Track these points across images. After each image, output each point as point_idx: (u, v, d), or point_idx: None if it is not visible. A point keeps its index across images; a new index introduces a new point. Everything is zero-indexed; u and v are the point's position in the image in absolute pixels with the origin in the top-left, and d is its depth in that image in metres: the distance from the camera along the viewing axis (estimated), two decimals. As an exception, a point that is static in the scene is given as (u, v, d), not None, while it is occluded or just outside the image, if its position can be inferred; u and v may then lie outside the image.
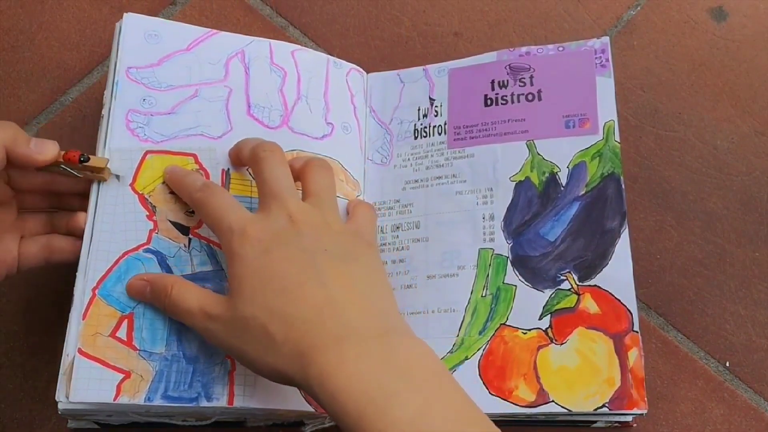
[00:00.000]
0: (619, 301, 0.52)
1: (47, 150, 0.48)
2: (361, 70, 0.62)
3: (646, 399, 0.50)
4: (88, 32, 0.65)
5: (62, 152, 0.50)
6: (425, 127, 0.59)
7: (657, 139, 0.63)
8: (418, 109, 0.60)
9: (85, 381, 0.46)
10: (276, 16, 0.67)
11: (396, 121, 0.60)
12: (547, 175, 0.56)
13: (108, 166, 0.51)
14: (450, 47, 0.66)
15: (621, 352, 0.51)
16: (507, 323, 0.53)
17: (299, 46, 0.60)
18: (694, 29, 0.67)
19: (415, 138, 0.59)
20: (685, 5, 0.68)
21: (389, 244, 0.57)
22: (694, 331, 0.57)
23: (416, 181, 0.58)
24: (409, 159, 0.59)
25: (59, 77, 0.63)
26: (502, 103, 0.58)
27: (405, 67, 0.62)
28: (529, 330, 0.52)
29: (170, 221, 0.52)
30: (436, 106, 0.60)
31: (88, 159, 0.50)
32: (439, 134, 0.59)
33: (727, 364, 0.57)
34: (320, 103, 0.58)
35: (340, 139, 0.58)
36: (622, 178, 0.55)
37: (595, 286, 0.53)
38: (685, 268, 0.59)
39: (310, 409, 0.49)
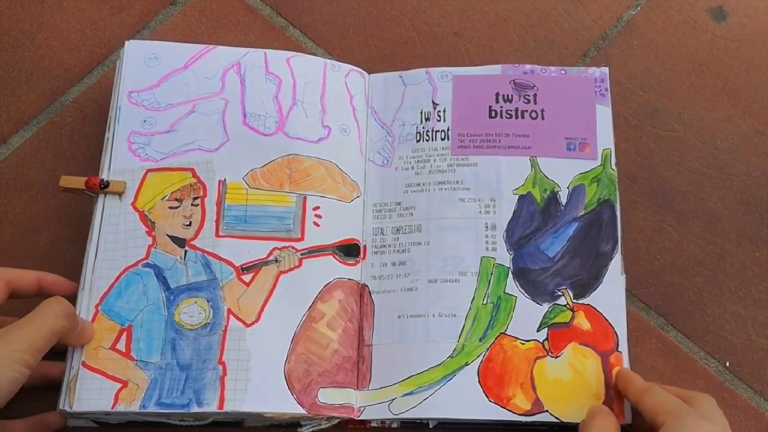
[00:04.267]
0: (608, 321, 0.54)
1: (87, 338, 0.50)
2: (361, 71, 0.62)
3: (625, 413, 0.52)
4: (88, 32, 0.65)
5: (85, 179, 0.53)
6: (428, 131, 0.59)
7: (657, 139, 0.63)
8: (421, 112, 0.60)
9: (87, 392, 0.49)
10: (276, 16, 0.67)
11: (398, 122, 0.60)
12: (548, 192, 0.57)
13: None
14: (450, 47, 0.66)
15: (606, 369, 0.53)
16: (506, 332, 0.54)
17: (295, 53, 0.60)
18: (694, 29, 0.67)
19: (417, 141, 0.59)
20: (685, 5, 0.68)
21: (390, 246, 0.57)
22: (694, 331, 0.58)
23: (418, 184, 0.58)
24: (410, 161, 0.59)
25: (59, 77, 0.63)
26: (506, 117, 0.59)
27: (405, 67, 0.62)
28: (528, 341, 0.54)
29: (168, 235, 0.53)
30: (439, 111, 0.60)
31: (108, 184, 0.53)
32: (443, 139, 0.59)
33: (727, 364, 0.57)
34: (316, 107, 0.58)
35: (337, 141, 0.58)
36: (617, 205, 0.57)
37: (588, 304, 0.55)
38: (685, 268, 0.59)
39: (303, 411, 0.50)
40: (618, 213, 0.57)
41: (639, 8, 0.68)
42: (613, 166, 0.58)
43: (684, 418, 0.45)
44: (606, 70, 0.61)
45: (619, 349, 0.53)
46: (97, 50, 0.65)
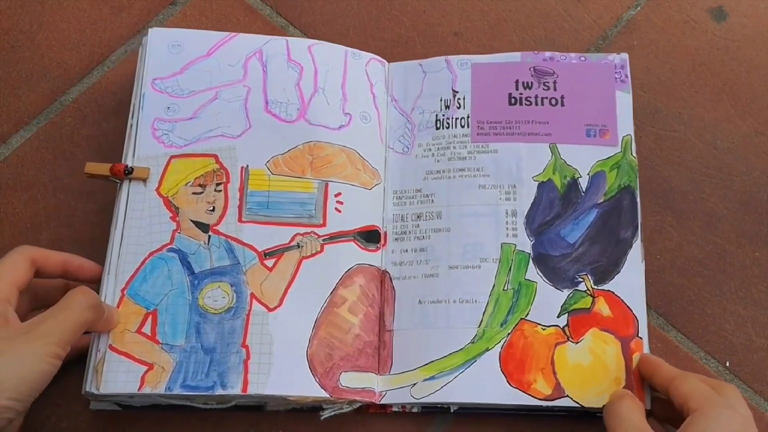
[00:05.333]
0: (629, 307, 0.54)
1: (112, 325, 0.51)
2: (381, 59, 0.62)
3: (646, 399, 0.52)
4: (88, 32, 0.65)
5: (110, 165, 0.53)
6: (447, 119, 0.60)
7: (657, 139, 0.63)
8: (441, 100, 0.60)
9: (114, 374, 0.49)
10: (276, 16, 0.67)
11: (417, 110, 0.60)
12: (568, 179, 0.57)
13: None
14: (450, 47, 0.66)
15: (627, 354, 0.53)
16: (527, 318, 0.54)
17: (316, 41, 0.61)
18: (694, 29, 0.67)
19: (437, 128, 0.59)
20: (685, 5, 0.68)
21: (410, 232, 0.57)
22: (694, 331, 0.58)
23: (438, 171, 0.58)
24: (430, 149, 0.59)
25: (59, 77, 0.63)
26: (526, 104, 0.59)
27: (406, 67, 0.63)
28: (548, 326, 0.54)
29: (192, 220, 0.54)
30: (459, 99, 0.60)
31: (132, 170, 0.54)
32: (462, 127, 0.59)
33: (727, 364, 0.57)
34: (338, 94, 0.59)
35: (358, 128, 0.58)
36: (637, 191, 0.57)
37: (609, 291, 0.55)
38: (685, 268, 0.59)
39: (325, 394, 0.50)
40: (638, 200, 0.57)
41: (639, 8, 0.68)
42: (634, 153, 0.58)
43: (719, 408, 0.45)
44: (626, 56, 0.61)
45: (640, 335, 0.53)
46: (97, 50, 0.65)
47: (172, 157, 0.55)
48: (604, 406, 0.50)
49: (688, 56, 0.66)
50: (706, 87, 0.65)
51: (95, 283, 0.51)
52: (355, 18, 0.67)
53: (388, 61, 0.63)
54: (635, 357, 0.53)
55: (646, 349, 0.53)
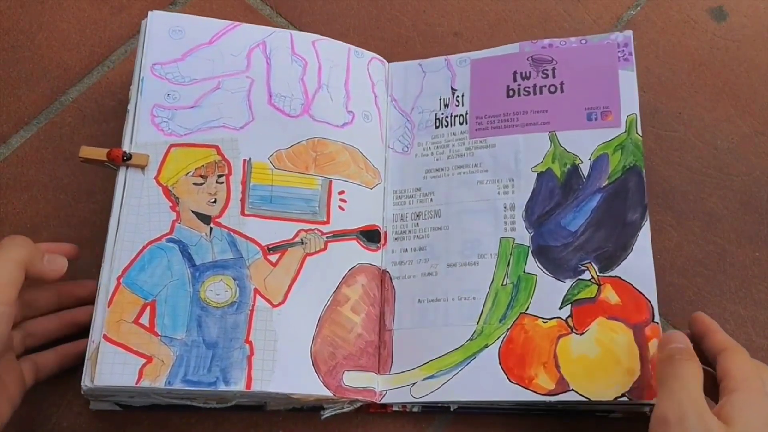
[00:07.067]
0: (640, 292, 0.52)
1: (59, 266, 0.49)
2: (382, 59, 0.62)
3: None
4: (88, 32, 0.65)
5: (106, 150, 0.52)
6: (446, 117, 0.60)
7: (657, 139, 0.63)
8: (440, 99, 0.60)
9: (109, 365, 0.48)
10: (276, 16, 0.67)
11: (417, 110, 0.60)
12: (569, 166, 0.56)
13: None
14: (450, 47, 0.66)
15: (641, 342, 0.51)
16: (527, 312, 0.53)
17: (320, 36, 0.60)
18: (694, 29, 0.67)
19: (437, 127, 0.59)
20: (685, 5, 0.68)
21: (410, 231, 0.57)
22: (694, 331, 0.57)
23: (437, 170, 0.58)
24: (429, 148, 0.59)
25: (59, 77, 0.63)
26: (524, 95, 0.59)
27: (405, 67, 0.63)
28: (550, 319, 0.53)
29: (193, 211, 0.53)
30: (457, 96, 0.60)
31: (131, 157, 0.53)
32: (461, 124, 0.59)
33: (728, 364, 0.56)
34: (341, 91, 0.59)
35: (360, 127, 0.58)
36: (643, 171, 0.55)
37: (616, 277, 0.53)
38: (685, 268, 0.59)
39: (329, 393, 0.50)
40: (645, 179, 0.55)
41: (639, 8, 0.68)
42: (639, 132, 0.56)
43: (758, 394, 0.44)
44: (630, 33, 0.59)
45: (655, 320, 0.51)
46: (97, 50, 0.65)
47: (171, 145, 0.54)
48: (658, 359, 0.47)
49: (688, 56, 0.66)
50: (706, 87, 0.65)
51: (74, 261, 0.51)
52: (355, 18, 0.67)
53: (388, 61, 0.63)
54: (652, 344, 0.51)
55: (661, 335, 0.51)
